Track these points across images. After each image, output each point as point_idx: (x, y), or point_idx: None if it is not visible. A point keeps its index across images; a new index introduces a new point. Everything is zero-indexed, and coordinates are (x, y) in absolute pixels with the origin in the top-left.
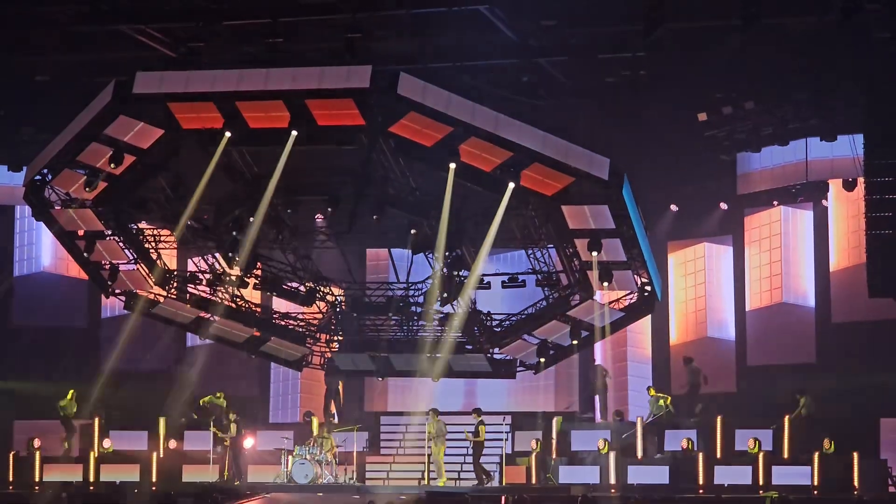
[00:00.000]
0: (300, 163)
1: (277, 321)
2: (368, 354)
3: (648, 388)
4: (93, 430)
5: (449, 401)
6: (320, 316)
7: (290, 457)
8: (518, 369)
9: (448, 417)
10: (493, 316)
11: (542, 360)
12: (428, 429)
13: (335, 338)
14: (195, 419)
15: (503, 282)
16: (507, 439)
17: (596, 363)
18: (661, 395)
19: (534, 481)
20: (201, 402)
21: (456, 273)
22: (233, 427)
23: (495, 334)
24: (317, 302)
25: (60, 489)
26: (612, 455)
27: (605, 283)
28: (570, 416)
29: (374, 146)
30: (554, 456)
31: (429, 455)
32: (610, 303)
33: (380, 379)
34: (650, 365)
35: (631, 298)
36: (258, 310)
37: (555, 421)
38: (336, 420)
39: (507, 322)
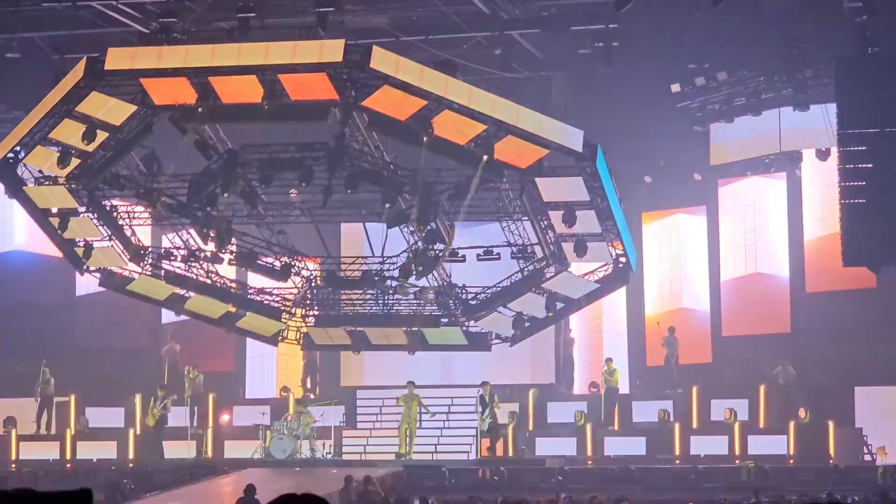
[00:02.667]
0: (274, 137)
1: (253, 296)
2: (344, 329)
3: (607, 360)
4: (69, 407)
5: (425, 374)
6: (296, 291)
7: (267, 432)
8: (493, 342)
9: (424, 391)
10: (468, 289)
11: (518, 332)
12: (401, 400)
13: (311, 312)
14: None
15: (478, 255)
16: (479, 412)
17: (569, 335)
18: (614, 368)
19: (510, 454)
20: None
21: (430, 246)
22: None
23: (471, 307)
24: (292, 277)
25: (37, 467)
26: (588, 427)
27: (580, 255)
28: (545, 388)
29: (347, 120)
30: (530, 428)
31: (407, 428)
32: (584, 274)
33: (356, 353)
34: (626, 336)
35: (606, 270)
36: (233, 285)
37: (530, 393)
38: (313, 395)
39: (483, 295)
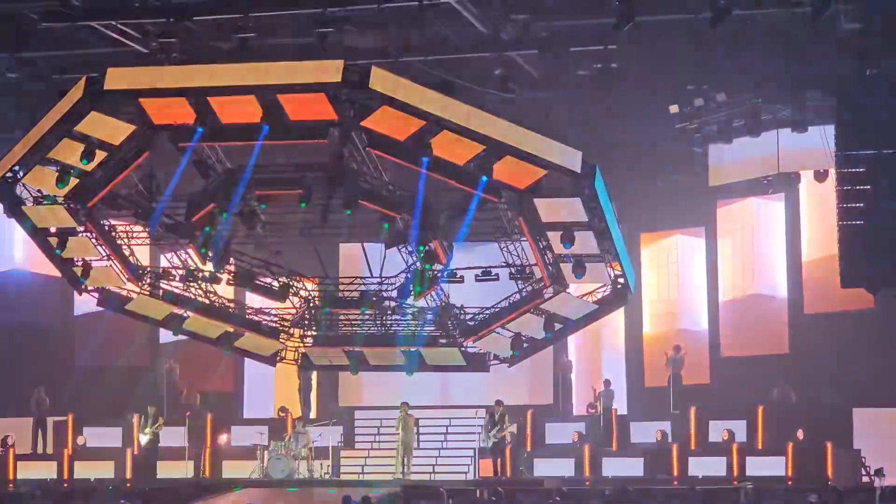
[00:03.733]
0: (272, 158)
1: (251, 316)
2: (342, 349)
3: (605, 382)
4: (67, 427)
5: (424, 395)
6: (294, 311)
7: (265, 452)
8: (492, 362)
9: (422, 411)
10: (466, 309)
11: (516, 353)
12: (398, 421)
13: (309, 332)
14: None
15: (476, 275)
16: (481, 433)
17: (566, 358)
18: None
19: (508, 474)
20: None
21: (428, 267)
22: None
23: (469, 328)
24: (290, 297)
25: (35, 486)
26: (586, 447)
27: (579, 276)
28: (543, 409)
29: (346, 140)
30: (528, 448)
31: (402, 449)
32: (583, 295)
33: (354, 374)
34: (624, 357)
35: (604, 291)
36: (232, 305)
37: (528, 414)
38: (312, 415)
39: (481, 315)
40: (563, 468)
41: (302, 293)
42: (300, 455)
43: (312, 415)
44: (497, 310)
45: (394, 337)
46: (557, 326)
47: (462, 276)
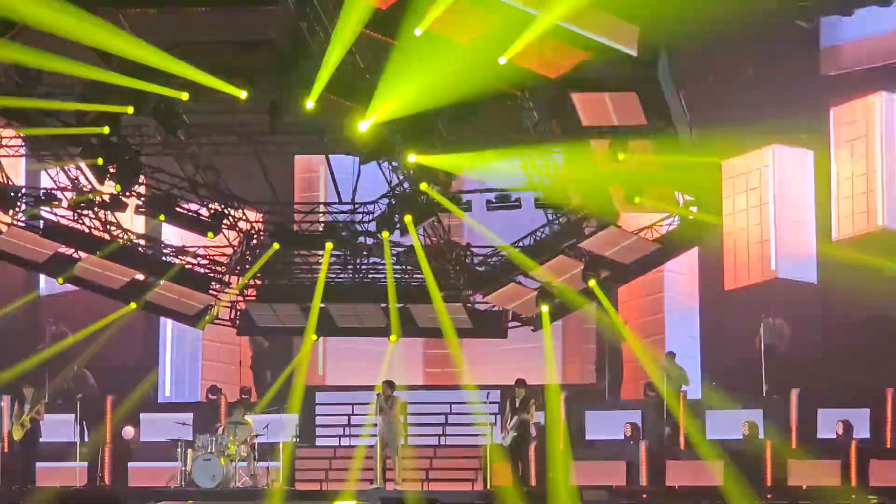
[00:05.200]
0: (203, 34)
1: (169, 259)
2: (298, 306)
3: (670, 355)
4: None
5: (413, 371)
6: (230, 251)
7: (189, 451)
8: (510, 325)
9: (411, 394)
10: (474, 250)
11: (545, 310)
12: (376, 408)
13: (251, 282)
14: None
15: (489, 201)
16: (493, 424)
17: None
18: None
19: (532, 482)
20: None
21: (423, 188)
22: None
23: (479, 276)
24: (224, 231)
25: None
26: (642, 446)
27: (633, 203)
28: (583, 392)
29: (304, 8)
30: (561, 446)
31: (382, 446)
32: (639, 231)
33: (315, 340)
34: (696, 320)
35: (670, 225)
36: (142, 242)
37: (561, 398)
38: (254, 399)
39: (495, 259)
40: (610, 474)
41: (242, 225)
42: (238, 455)
43: (255, 398)
44: (518, 250)
45: (371, 288)
46: (603, 274)
47: (469, 203)
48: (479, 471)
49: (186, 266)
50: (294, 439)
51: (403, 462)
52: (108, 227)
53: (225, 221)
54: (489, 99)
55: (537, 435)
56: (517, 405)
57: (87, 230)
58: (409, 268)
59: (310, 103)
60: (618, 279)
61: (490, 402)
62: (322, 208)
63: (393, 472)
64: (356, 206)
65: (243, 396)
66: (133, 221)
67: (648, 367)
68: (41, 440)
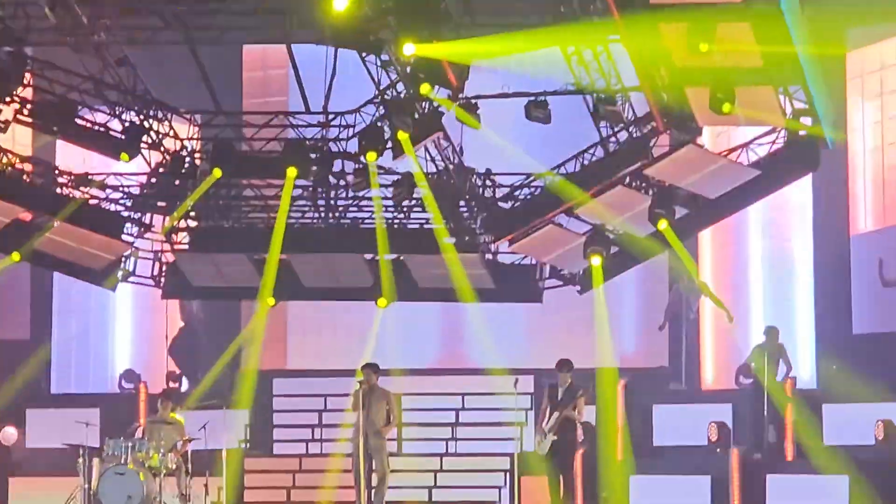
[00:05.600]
0: None
1: (67, 190)
2: (249, 258)
3: (770, 330)
4: None
5: (410, 350)
6: (154, 181)
7: (94, 461)
8: (547, 285)
9: (408, 381)
10: (497, 179)
11: (596, 264)
12: (355, 402)
13: (183, 224)
14: None
15: (526, 106)
16: (523, 424)
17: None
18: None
19: None
20: None
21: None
22: None
23: (503, 215)
24: (145, 151)
25: None
26: (733, 454)
27: (723, 111)
28: (649, 378)
29: None
30: (619, 455)
31: (367, 453)
32: (729, 151)
33: (273, 304)
34: (810, 278)
35: (772, 143)
36: (27, 168)
37: (619, 387)
38: (185, 388)
39: (527, 191)
40: (687, 495)
41: (169, 144)
42: (164, 467)
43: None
44: (560, 178)
45: (351, 233)
46: (680, 213)
47: (478, 105)
48: (504, 489)
49: (91, 202)
50: (243, 445)
51: (396, 477)
52: None
53: (145, 139)
54: None
55: (586, 439)
56: (559, 397)
57: None
58: (404, 204)
59: None
60: (699, 219)
61: (520, 394)
62: (282, 121)
63: (381, 493)
64: (330, 117)
65: (171, 385)
66: (14, 138)
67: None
68: None
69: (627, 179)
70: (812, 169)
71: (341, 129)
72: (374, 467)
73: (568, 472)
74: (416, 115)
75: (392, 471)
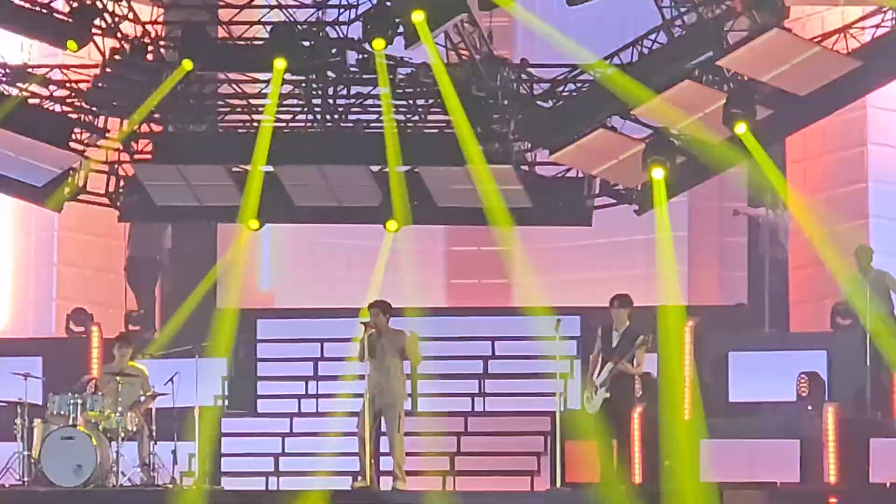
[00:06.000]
0: None
1: (0, 87)
2: (227, 170)
3: (860, 251)
4: None
5: (429, 284)
6: (108, 72)
7: (36, 422)
8: (598, 203)
9: (425, 323)
10: (534, 72)
11: (659, 177)
12: (361, 349)
13: (145, 128)
14: None
15: None
16: (568, 375)
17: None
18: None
19: (636, 478)
20: None
21: None
22: None
23: (542, 118)
24: (98, 40)
25: None
26: (829, 412)
27: None
28: (725, 319)
29: None
30: (686, 414)
31: (376, 413)
32: (824, 37)
33: (254, 229)
34: None
35: (877, 26)
36: None
37: (689, 331)
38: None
39: (572, 86)
40: (772, 463)
41: (127, 29)
42: (123, 429)
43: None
44: (613, 69)
45: (354, 139)
46: (762, 114)
47: None
48: (544, 457)
49: (30, 101)
50: (220, 402)
51: (412, 442)
52: None
53: (97, 23)
54: None
55: (645, 394)
56: (613, 343)
57: None
58: (420, 103)
59: None
60: (786, 122)
61: (564, 338)
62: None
63: (391, 460)
64: None
65: (131, 328)
66: None
67: (839, 274)
68: None
69: (697, 72)
70: None
71: (341, 10)
72: (383, 429)
73: (623, 436)
74: None
75: (406, 434)
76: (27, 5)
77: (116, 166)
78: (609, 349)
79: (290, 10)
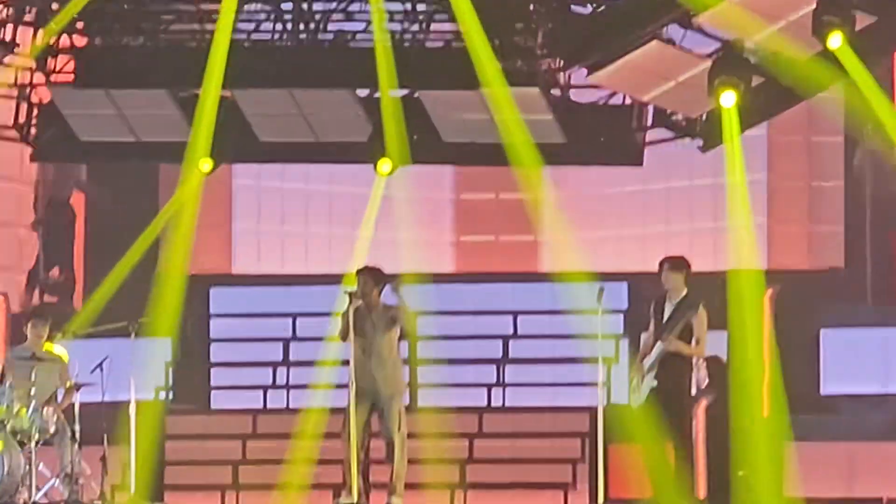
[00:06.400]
0: None
1: None
2: (172, 95)
3: None
4: None
5: (433, 243)
6: None
7: None
8: (650, 137)
9: (427, 291)
10: None
11: (729, 105)
12: (345, 325)
13: (64, 41)
14: None
15: None
16: (612, 360)
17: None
18: None
19: (700, 490)
20: None
21: None
22: None
23: (578, 27)
24: None
25: None
26: None
27: None
28: (814, 287)
29: None
30: (765, 409)
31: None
32: None
33: (212, 168)
34: None
35: None
36: None
37: (767, 301)
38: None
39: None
40: (876, 470)
41: None
42: (39, 428)
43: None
44: None
45: (335, 55)
46: (863, 22)
47: None
48: (582, 465)
49: None
50: (163, 396)
51: (411, 445)
52: None
53: None
54: None
55: (712, 384)
56: (668, 316)
57: None
58: (421, 8)
59: None
60: (895, 32)
61: (606, 312)
62: None
63: (385, 469)
64: None
65: (46, 300)
66: None
67: None
68: None
69: None
70: None
71: None
72: (367, 437)
73: (681, 437)
74: None
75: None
76: None
77: (28, 90)
78: (660, 325)
79: None
